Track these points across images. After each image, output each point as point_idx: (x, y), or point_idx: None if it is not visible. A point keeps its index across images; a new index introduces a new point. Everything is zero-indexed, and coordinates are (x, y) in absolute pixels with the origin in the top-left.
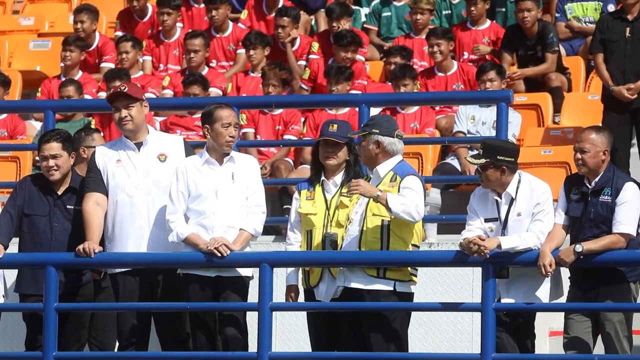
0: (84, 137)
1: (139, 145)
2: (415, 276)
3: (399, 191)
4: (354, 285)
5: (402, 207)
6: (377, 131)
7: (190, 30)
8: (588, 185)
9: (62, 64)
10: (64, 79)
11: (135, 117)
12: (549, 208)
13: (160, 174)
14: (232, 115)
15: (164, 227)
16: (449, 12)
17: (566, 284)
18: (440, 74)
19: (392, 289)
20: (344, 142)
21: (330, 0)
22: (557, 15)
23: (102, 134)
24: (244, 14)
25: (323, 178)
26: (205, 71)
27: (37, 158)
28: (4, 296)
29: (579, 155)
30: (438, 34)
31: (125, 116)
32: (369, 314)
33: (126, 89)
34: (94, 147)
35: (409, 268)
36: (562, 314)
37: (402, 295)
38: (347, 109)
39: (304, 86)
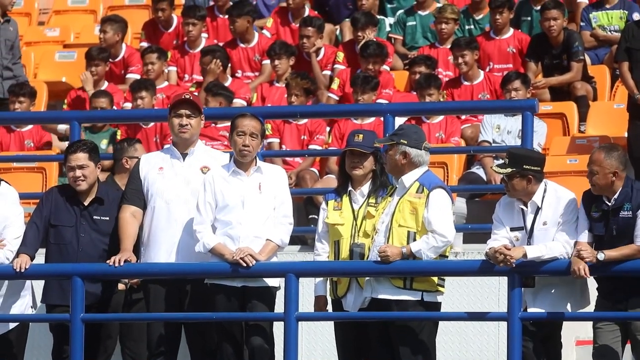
0: (126, 147)
1: (184, 155)
2: (443, 286)
3: (426, 203)
4: (381, 296)
5: (429, 247)
6: (405, 142)
7: (207, 46)
8: (607, 202)
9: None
10: (87, 89)
11: (194, 127)
12: (575, 217)
13: (201, 184)
14: (250, 125)
15: (196, 237)
16: (472, 27)
17: (592, 294)
18: (466, 83)
19: (419, 299)
20: (369, 152)
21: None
22: (582, 24)
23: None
24: (269, 22)
25: (350, 188)
26: (229, 82)
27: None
28: (32, 307)
29: (590, 177)
30: (462, 44)
31: (186, 124)
32: (397, 324)
33: (192, 97)
34: (137, 157)
35: (436, 278)
36: (589, 323)
37: (429, 306)
38: (372, 119)
39: (333, 96)
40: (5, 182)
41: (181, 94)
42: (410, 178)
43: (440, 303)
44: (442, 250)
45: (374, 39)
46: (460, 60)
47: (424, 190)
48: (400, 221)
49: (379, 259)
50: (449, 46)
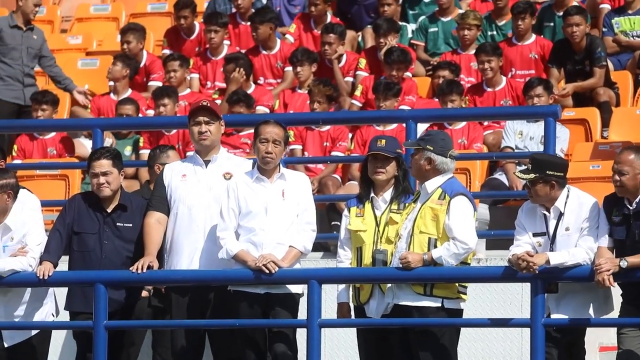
0: (158, 154)
1: (207, 162)
2: (465, 294)
3: (447, 209)
4: (402, 302)
5: (450, 254)
6: (431, 148)
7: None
8: (629, 206)
9: (110, 83)
10: (113, 96)
11: (214, 134)
12: (598, 223)
13: (223, 190)
14: (273, 132)
15: (218, 243)
16: (494, 33)
17: (616, 300)
18: (488, 89)
19: (439, 305)
20: (393, 156)
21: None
22: (604, 29)
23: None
24: (292, 27)
25: (372, 195)
26: (251, 89)
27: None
28: (53, 314)
29: (617, 177)
30: (488, 50)
31: (206, 131)
32: (418, 331)
33: (209, 104)
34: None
35: (457, 285)
36: (613, 329)
37: (451, 312)
38: (394, 125)
39: (356, 102)
40: (27, 189)
41: (198, 101)
42: (433, 184)
43: (462, 310)
44: (463, 257)
45: (397, 45)
46: (486, 65)
47: (445, 196)
48: (421, 227)
49: (396, 264)
50: (471, 52)
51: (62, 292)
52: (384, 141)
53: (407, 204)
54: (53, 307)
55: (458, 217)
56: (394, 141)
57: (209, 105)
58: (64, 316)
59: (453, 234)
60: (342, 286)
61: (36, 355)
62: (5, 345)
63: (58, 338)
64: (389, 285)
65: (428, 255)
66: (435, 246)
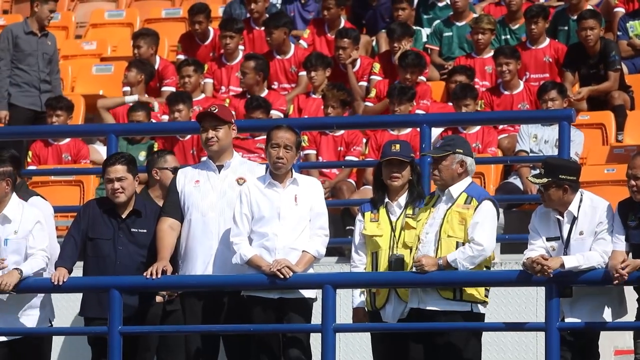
0: (156, 159)
1: (220, 167)
2: (487, 296)
3: (474, 213)
4: (430, 307)
5: (464, 257)
6: (461, 151)
7: (250, 53)
8: None
9: (124, 88)
10: (128, 102)
11: (222, 139)
12: (612, 226)
13: (236, 196)
14: (284, 137)
15: (232, 248)
16: (508, 36)
17: (631, 305)
18: (506, 92)
19: (468, 310)
20: (408, 160)
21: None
22: (619, 33)
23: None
24: (306, 33)
25: (387, 200)
26: (265, 93)
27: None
28: (50, 320)
29: (632, 182)
30: (507, 53)
31: (212, 137)
32: (443, 340)
33: (216, 110)
34: (167, 168)
35: (484, 289)
36: (627, 332)
37: (479, 317)
38: (409, 130)
39: (370, 103)
40: (40, 196)
41: (206, 107)
42: (457, 189)
43: (484, 314)
44: (479, 260)
45: (411, 50)
46: (504, 68)
47: (472, 201)
48: (449, 232)
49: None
50: (485, 56)
51: (76, 298)
52: (398, 146)
53: (419, 209)
54: (50, 311)
55: (481, 220)
56: (407, 145)
57: (215, 111)
58: (80, 322)
59: (471, 236)
60: (357, 291)
61: (37, 351)
62: (3, 339)
63: (74, 344)
64: (412, 289)
65: (443, 260)
66: None
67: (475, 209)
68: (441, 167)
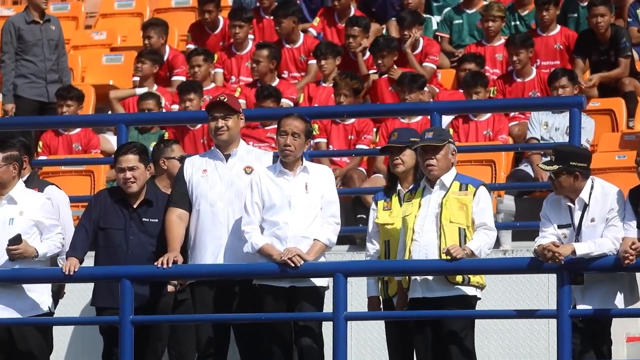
0: (163, 148)
1: (227, 156)
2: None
3: (474, 199)
4: (438, 294)
5: (485, 244)
6: (452, 140)
7: (261, 41)
8: None
9: (134, 78)
10: (139, 94)
11: (232, 128)
12: (623, 213)
13: (244, 185)
14: (293, 125)
15: (242, 238)
16: (517, 23)
17: None
18: (518, 80)
19: (475, 294)
20: (404, 145)
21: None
22: (629, 20)
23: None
24: (315, 21)
25: (399, 188)
26: (275, 82)
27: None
28: (50, 307)
29: None
30: (517, 43)
31: (222, 126)
32: (449, 328)
33: (226, 99)
34: (174, 158)
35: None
36: (639, 319)
37: (476, 300)
38: (419, 118)
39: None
40: (55, 185)
41: (215, 97)
42: (449, 178)
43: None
44: (491, 247)
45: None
46: (514, 58)
47: (468, 187)
48: (450, 218)
49: (425, 257)
50: (495, 44)
51: (87, 288)
52: (396, 134)
53: (404, 203)
54: (50, 300)
55: (486, 206)
56: (408, 132)
57: (225, 100)
58: (91, 312)
59: (484, 221)
60: (371, 280)
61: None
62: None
63: (85, 334)
64: (415, 278)
65: (468, 250)
66: (465, 236)
67: (475, 194)
68: (439, 157)
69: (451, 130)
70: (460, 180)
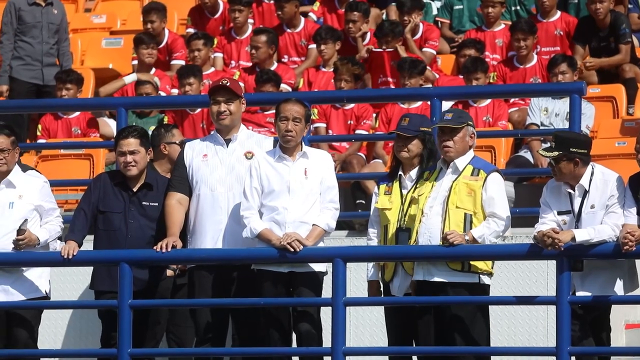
0: (163, 133)
1: (228, 141)
2: (493, 268)
3: (484, 185)
4: (436, 279)
5: (491, 232)
6: (472, 123)
7: (258, 27)
8: None
9: (133, 62)
10: (128, 82)
11: (234, 112)
12: (623, 200)
13: (245, 170)
14: (293, 110)
15: (242, 223)
16: (518, 7)
17: None
18: (520, 66)
19: (477, 281)
20: (412, 135)
21: None
22: (629, 6)
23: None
24: (315, 6)
25: (400, 173)
26: (274, 67)
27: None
28: (46, 292)
29: None
30: (525, 29)
31: (225, 110)
32: (451, 313)
33: (228, 83)
34: (174, 142)
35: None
36: (638, 306)
37: (484, 288)
38: (419, 103)
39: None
40: (36, 170)
41: (218, 80)
42: (463, 161)
43: (489, 285)
44: (503, 234)
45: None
46: (522, 43)
47: (479, 172)
48: (457, 203)
49: (430, 242)
50: (495, 29)
51: (86, 271)
52: (407, 119)
53: (420, 182)
54: (47, 285)
55: (497, 194)
56: (419, 119)
57: (228, 84)
58: (90, 295)
59: (494, 211)
60: (372, 264)
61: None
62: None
63: (84, 317)
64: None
65: (469, 236)
66: (471, 221)
67: (485, 180)
68: (457, 139)
69: None
70: (474, 165)
